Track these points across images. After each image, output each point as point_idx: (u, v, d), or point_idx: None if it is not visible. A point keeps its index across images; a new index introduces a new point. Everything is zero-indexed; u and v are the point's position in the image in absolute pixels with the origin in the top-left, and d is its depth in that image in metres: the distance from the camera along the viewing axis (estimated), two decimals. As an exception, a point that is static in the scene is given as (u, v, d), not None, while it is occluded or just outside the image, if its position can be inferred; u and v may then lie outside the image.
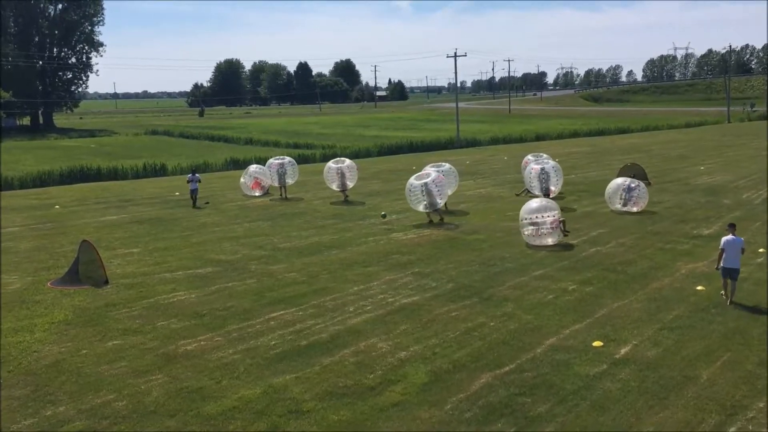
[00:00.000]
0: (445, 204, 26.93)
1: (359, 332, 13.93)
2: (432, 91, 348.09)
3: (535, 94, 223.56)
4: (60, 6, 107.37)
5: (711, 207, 27.24)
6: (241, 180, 34.43)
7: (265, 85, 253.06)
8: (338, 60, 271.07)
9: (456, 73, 75.21)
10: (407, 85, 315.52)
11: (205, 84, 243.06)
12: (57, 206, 31.67)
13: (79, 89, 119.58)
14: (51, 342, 13.73)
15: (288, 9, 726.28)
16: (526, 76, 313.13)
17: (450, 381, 11.55)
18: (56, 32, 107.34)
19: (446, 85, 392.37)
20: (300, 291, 16.89)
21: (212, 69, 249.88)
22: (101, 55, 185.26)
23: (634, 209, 26.01)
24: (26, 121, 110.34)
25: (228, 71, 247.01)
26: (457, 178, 29.10)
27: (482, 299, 15.96)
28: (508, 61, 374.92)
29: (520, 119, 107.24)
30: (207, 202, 31.27)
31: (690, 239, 21.72)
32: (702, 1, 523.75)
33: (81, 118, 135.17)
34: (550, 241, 21.01)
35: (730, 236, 15.24)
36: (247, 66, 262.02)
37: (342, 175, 31.53)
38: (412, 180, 25.48)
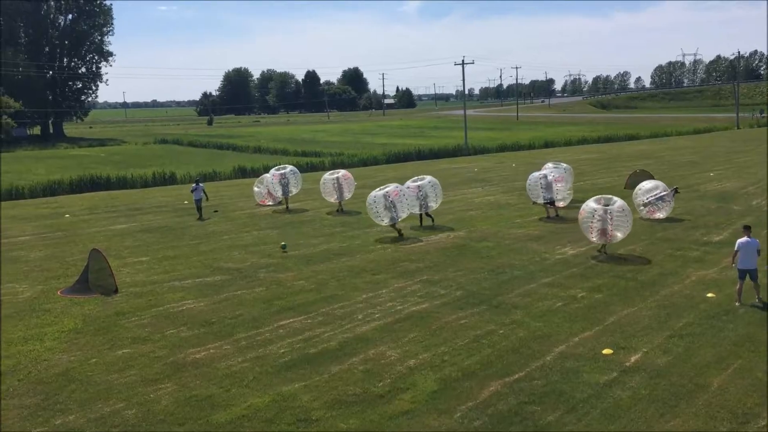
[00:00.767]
0: (432, 218, 26.29)
1: (368, 340, 13.91)
2: (440, 99, 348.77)
3: (543, 101, 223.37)
4: (70, 16, 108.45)
5: (721, 213, 27.11)
6: (255, 189, 34.16)
7: (274, 93, 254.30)
8: (346, 68, 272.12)
9: (464, 80, 75.12)
10: (415, 92, 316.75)
11: (213, 93, 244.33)
12: (67, 215, 31.84)
13: (89, 98, 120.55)
14: (61, 351, 13.79)
15: (295, 18, 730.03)
16: (533, 83, 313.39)
17: (459, 389, 11.52)
18: (66, 42, 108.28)
19: (454, 93, 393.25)
20: (309, 299, 16.90)
21: (221, 78, 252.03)
22: (111, 65, 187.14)
23: (659, 216, 25.98)
24: (37, 130, 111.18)
25: (237, 80, 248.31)
26: (440, 191, 26.81)
27: (491, 307, 15.92)
28: (516, 68, 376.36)
29: (528, 126, 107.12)
30: (216, 211, 31.35)
31: (700, 246, 21.62)
32: (710, 1, 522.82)
33: (91, 127, 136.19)
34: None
35: (745, 238, 15.27)
36: (256, 74, 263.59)
37: (339, 187, 30.47)
38: (374, 193, 24.38)
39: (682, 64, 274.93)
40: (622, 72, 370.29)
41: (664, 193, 26.08)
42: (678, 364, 12.31)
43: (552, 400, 11.00)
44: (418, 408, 10.87)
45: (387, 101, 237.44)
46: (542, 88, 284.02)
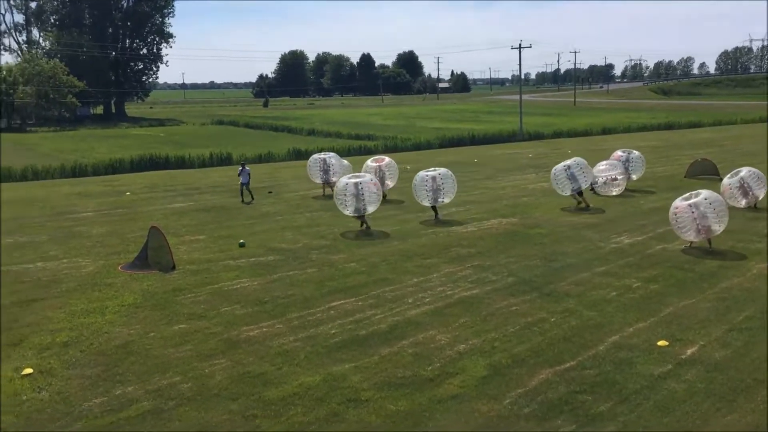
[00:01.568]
0: (437, 213, 24.73)
1: (418, 324, 13.96)
2: (495, 83, 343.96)
3: (601, 87, 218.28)
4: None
5: (787, 205, 26.09)
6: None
7: (329, 76, 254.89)
8: (401, 51, 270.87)
9: (520, 64, 74.05)
10: (470, 76, 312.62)
11: (269, 75, 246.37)
12: (128, 193, 32.75)
13: (150, 79, 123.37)
14: (121, 324, 14.26)
15: (354, 4, 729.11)
16: (592, 68, 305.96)
17: (509, 375, 11.47)
18: (129, 24, 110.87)
19: (509, 77, 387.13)
20: (360, 281, 17.03)
21: (277, 60, 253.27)
22: (171, 47, 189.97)
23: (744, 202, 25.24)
24: (100, 110, 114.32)
25: (292, 62, 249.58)
26: (455, 183, 25.23)
27: (543, 294, 15.77)
28: (574, 52, 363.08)
29: (586, 112, 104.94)
30: (270, 192, 31.78)
31: (763, 237, 20.91)
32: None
33: (151, 107, 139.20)
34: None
35: None
36: (311, 57, 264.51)
37: (382, 174, 28.35)
38: (344, 179, 23.31)
39: (750, 49, 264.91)
40: (685, 57, 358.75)
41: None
42: (736, 359, 11.99)
43: (604, 390, 10.86)
44: (467, 392, 10.88)
45: (442, 85, 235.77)
46: (601, 74, 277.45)
